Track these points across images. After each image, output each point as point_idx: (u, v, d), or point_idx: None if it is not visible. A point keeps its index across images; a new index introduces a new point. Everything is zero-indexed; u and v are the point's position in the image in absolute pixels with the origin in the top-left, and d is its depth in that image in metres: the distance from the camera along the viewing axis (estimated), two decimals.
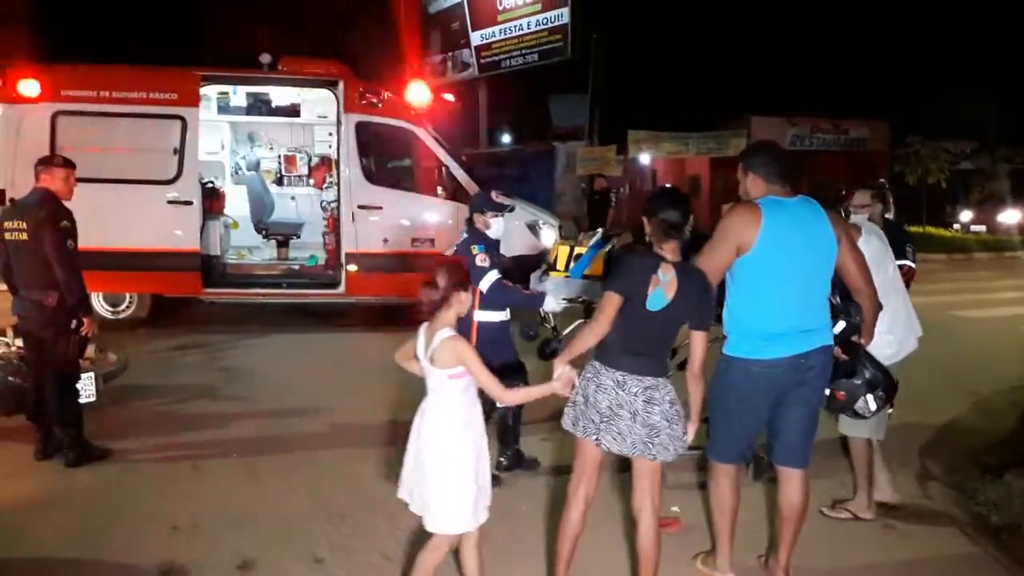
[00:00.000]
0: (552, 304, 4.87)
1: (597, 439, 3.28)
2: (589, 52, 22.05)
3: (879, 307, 3.63)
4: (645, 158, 25.46)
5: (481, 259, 4.55)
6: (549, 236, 9.76)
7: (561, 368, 3.14)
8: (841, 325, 3.55)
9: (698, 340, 3.26)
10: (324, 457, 5.28)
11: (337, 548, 4.01)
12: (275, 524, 4.26)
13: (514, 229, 9.35)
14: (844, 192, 4.80)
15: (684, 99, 25.92)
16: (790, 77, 26.55)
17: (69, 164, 5.14)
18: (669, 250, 3.25)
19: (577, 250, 5.82)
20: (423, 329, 3.15)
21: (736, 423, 3.54)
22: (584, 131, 24.97)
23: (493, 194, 4.96)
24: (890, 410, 4.04)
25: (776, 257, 3.32)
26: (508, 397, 3.23)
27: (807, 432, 3.54)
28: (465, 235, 4.77)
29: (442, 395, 3.10)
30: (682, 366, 3.49)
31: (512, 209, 5.29)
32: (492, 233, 4.74)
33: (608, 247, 5.77)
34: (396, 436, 5.51)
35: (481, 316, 4.62)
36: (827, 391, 3.61)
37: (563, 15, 20.45)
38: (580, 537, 3.43)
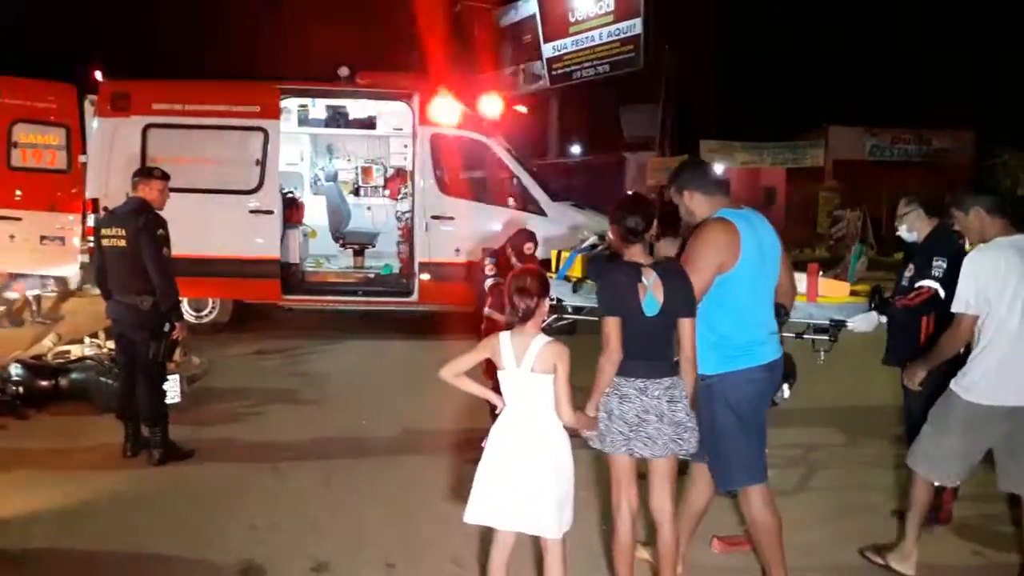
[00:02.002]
0: None
1: (628, 449, 3.31)
2: (661, 62, 21.92)
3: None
4: (718, 168, 25.13)
5: (489, 268, 5.65)
6: None
7: (589, 416, 3.25)
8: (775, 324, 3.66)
9: (688, 326, 3.30)
10: (397, 463, 5.37)
11: (409, 554, 4.07)
12: (349, 528, 4.36)
13: (585, 239, 9.38)
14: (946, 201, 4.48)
15: (759, 109, 25.43)
16: (870, 86, 25.77)
17: (165, 176, 5.38)
18: (636, 254, 3.34)
19: (564, 254, 6.15)
20: (505, 340, 3.15)
21: (750, 438, 3.46)
22: (655, 141, 24.80)
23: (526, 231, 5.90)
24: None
25: (751, 268, 3.41)
26: (569, 413, 3.16)
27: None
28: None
29: (540, 401, 3.12)
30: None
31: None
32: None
33: (587, 251, 6.07)
34: (468, 444, 5.60)
35: (491, 314, 5.42)
36: None
37: (635, 26, 20.37)
38: (634, 549, 3.46)
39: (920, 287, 4.25)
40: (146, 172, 5.47)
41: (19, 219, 9.41)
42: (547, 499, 3.09)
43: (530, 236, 5.85)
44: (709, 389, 3.43)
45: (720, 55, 26.27)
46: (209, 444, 5.62)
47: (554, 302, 5.16)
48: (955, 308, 3.66)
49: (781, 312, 3.68)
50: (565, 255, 6.04)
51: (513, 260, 5.58)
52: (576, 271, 5.67)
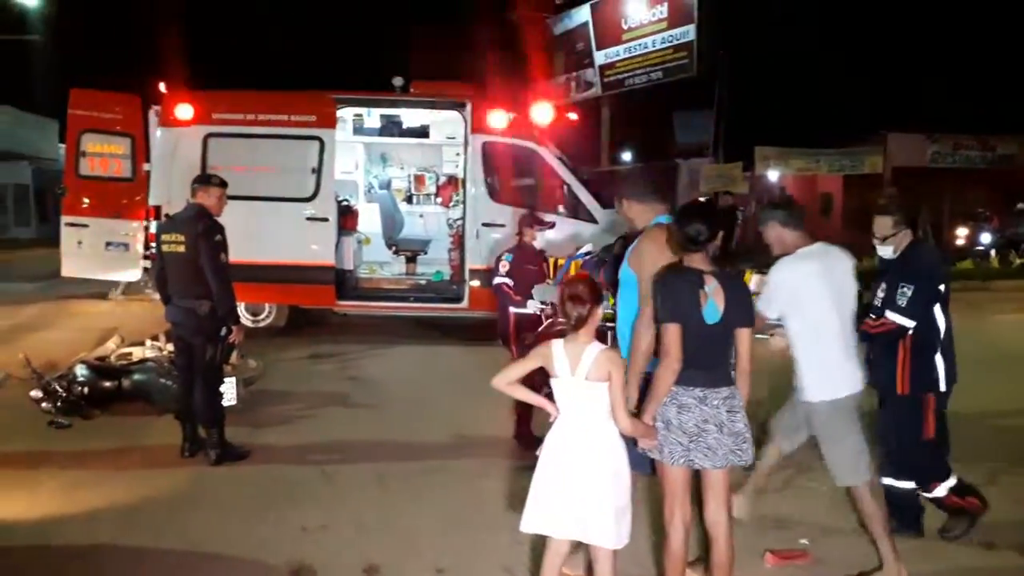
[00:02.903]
0: (533, 306, 5.62)
1: (688, 460, 3.28)
2: (714, 68, 21.69)
3: None
4: (773, 175, 24.74)
5: (503, 266, 5.89)
6: None
7: (646, 424, 3.24)
8: None
9: (745, 337, 3.32)
10: (448, 467, 5.40)
11: (459, 559, 4.09)
12: (399, 531, 4.40)
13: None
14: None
15: (815, 115, 24.98)
16: (931, 91, 25.11)
17: (223, 184, 5.51)
18: (697, 261, 3.32)
19: (559, 261, 6.39)
20: (558, 348, 3.14)
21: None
22: (708, 148, 24.53)
23: (537, 214, 6.29)
24: None
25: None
26: (625, 421, 3.16)
27: None
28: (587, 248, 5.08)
29: (596, 409, 3.11)
30: None
31: (553, 225, 6.42)
32: (537, 244, 6.02)
33: (582, 258, 6.22)
34: (517, 450, 5.61)
35: (517, 310, 5.73)
36: None
37: (689, 32, 20.22)
38: (686, 563, 3.42)
39: (884, 319, 4.08)
40: (204, 179, 5.61)
41: (86, 226, 9.74)
42: (605, 508, 3.06)
43: (533, 222, 6.07)
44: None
45: (775, 60, 25.90)
46: (264, 445, 5.74)
47: (549, 307, 5.39)
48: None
49: None
50: (561, 262, 6.28)
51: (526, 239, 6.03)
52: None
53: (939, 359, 4.11)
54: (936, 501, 4.27)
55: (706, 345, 3.26)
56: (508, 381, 3.23)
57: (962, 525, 4.25)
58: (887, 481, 4.23)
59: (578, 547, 3.37)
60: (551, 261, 6.44)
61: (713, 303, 3.24)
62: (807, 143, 23.16)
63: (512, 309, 5.81)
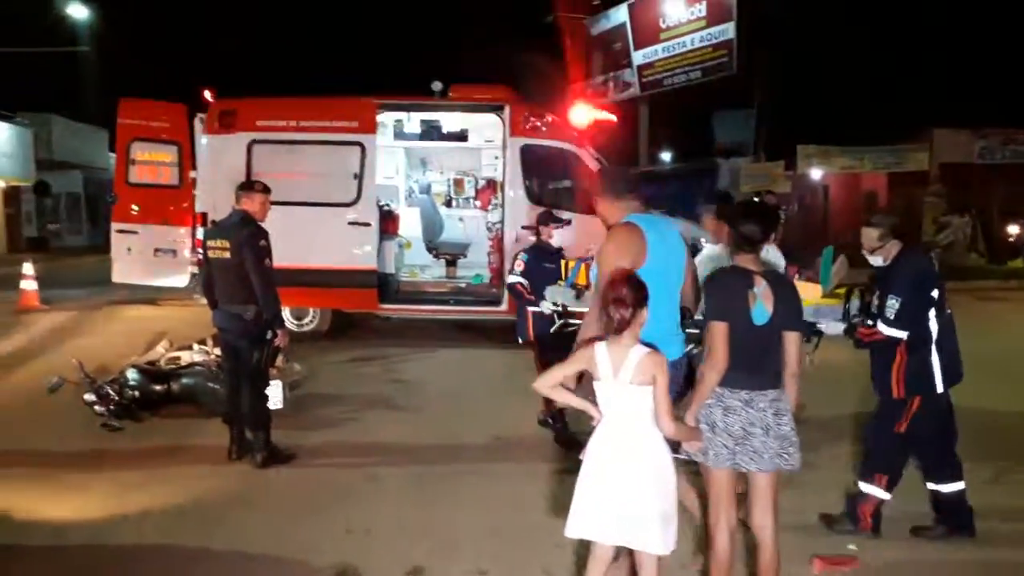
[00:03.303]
0: (546, 307, 5.55)
1: (734, 463, 3.25)
2: (754, 66, 21.46)
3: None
4: (816, 174, 24.39)
5: (518, 264, 6.04)
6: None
7: (691, 426, 3.23)
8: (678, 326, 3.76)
9: (794, 340, 3.29)
10: (490, 471, 5.42)
11: (501, 562, 4.10)
12: (442, 534, 4.43)
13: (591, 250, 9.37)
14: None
15: (858, 112, 24.57)
16: (979, 86, 24.53)
17: (267, 190, 5.61)
18: (749, 261, 3.29)
19: (570, 263, 6.31)
20: (601, 351, 3.12)
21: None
22: (749, 147, 24.28)
23: (553, 212, 6.45)
24: None
25: (659, 268, 3.49)
26: (669, 425, 3.12)
27: None
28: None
29: (640, 413, 3.08)
30: None
31: (569, 223, 6.53)
32: (555, 242, 6.16)
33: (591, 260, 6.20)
34: (559, 453, 5.62)
35: (534, 309, 5.77)
36: None
37: (728, 30, 20.03)
38: (732, 568, 3.40)
39: (875, 329, 4.15)
40: (248, 185, 5.70)
41: (136, 232, 9.96)
42: (651, 513, 3.04)
43: (549, 219, 6.14)
44: None
45: (816, 57, 25.52)
46: (308, 448, 5.82)
47: (559, 308, 5.36)
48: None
49: (687, 316, 3.82)
50: (571, 264, 6.27)
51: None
52: (582, 279, 5.81)
53: (935, 360, 4.12)
54: (857, 496, 4.31)
55: (753, 347, 3.23)
56: (550, 384, 3.22)
57: (848, 526, 4.32)
58: (932, 486, 4.27)
59: (620, 553, 3.36)
60: (563, 264, 6.41)
61: (762, 304, 3.22)
62: (850, 141, 22.79)
63: (529, 308, 5.87)
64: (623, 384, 3.06)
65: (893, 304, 4.03)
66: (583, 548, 3.36)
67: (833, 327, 4.59)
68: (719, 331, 3.19)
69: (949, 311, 4.19)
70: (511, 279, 6.04)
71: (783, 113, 23.52)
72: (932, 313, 4.11)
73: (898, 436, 4.21)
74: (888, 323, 4.05)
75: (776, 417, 3.24)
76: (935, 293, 4.12)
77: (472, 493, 5.04)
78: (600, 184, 3.90)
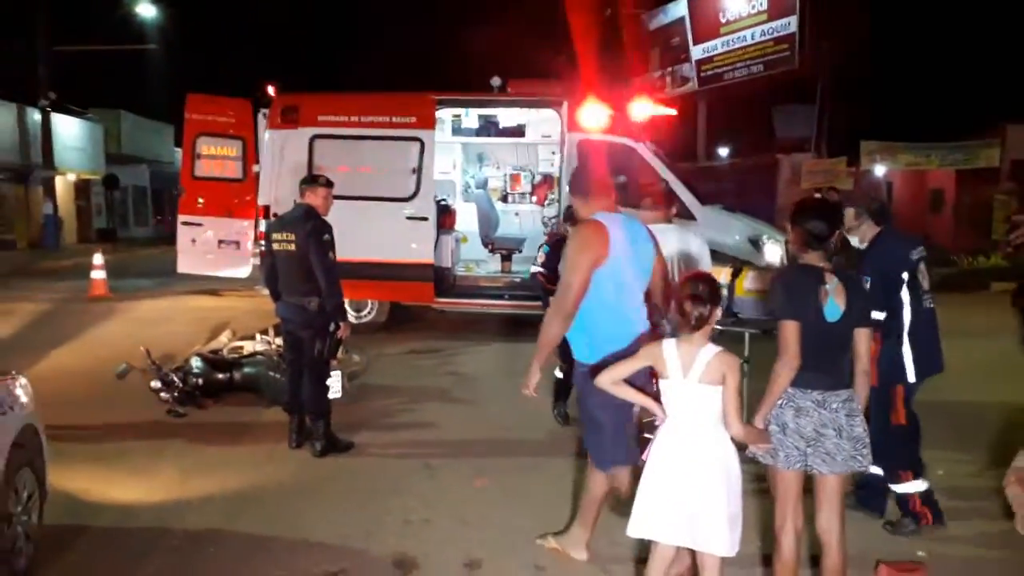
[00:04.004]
0: None
1: (806, 465, 3.18)
2: (817, 60, 20.97)
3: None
4: (879, 170, 23.74)
5: (540, 257, 6.37)
6: (774, 251, 9.43)
7: (760, 430, 3.17)
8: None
9: (864, 336, 3.23)
10: (545, 465, 5.42)
11: (557, 557, 4.07)
12: (498, 527, 4.43)
13: (734, 243, 9.24)
14: None
15: (925, 107, 23.80)
16: None
17: (329, 184, 5.67)
18: (815, 259, 3.23)
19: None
20: (670, 348, 3.08)
21: (622, 426, 3.69)
22: (811, 143, 23.75)
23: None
24: None
25: (620, 267, 3.60)
26: (738, 426, 3.08)
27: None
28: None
29: (707, 413, 3.04)
30: None
31: None
32: None
33: None
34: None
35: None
36: None
37: (791, 23, 19.66)
38: (798, 570, 3.34)
39: None
40: (311, 180, 5.77)
41: (200, 224, 10.22)
42: (719, 515, 3.00)
43: (571, 215, 6.06)
44: (585, 376, 3.64)
45: (882, 50, 24.80)
46: (367, 438, 5.89)
47: None
48: None
49: (657, 314, 3.91)
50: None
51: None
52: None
53: (906, 349, 4.17)
54: (900, 498, 4.26)
55: (825, 345, 3.16)
56: (613, 379, 3.20)
57: (911, 526, 4.25)
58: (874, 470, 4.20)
59: (679, 553, 3.31)
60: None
61: (834, 301, 3.14)
62: (916, 136, 22.13)
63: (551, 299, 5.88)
64: (692, 383, 3.02)
65: (865, 281, 4.03)
66: (639, 546, 3.33)
67: None
68: (791, 329, 3.11)
69: (931, 305, 4.25)
70: (533, 269, 6.27)
71: (846, 107, 22.92)
72: (907, 298, 4.17)
73: (900, 427, 4.19)
74: None
75: (849, 418, 3.17)
76: (905, 275, 4.18)
77: (528, 487, 5.03)
78: (573, 184, 4.04)
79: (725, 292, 5.70)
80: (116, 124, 30.34)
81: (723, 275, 6.18)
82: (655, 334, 3.73)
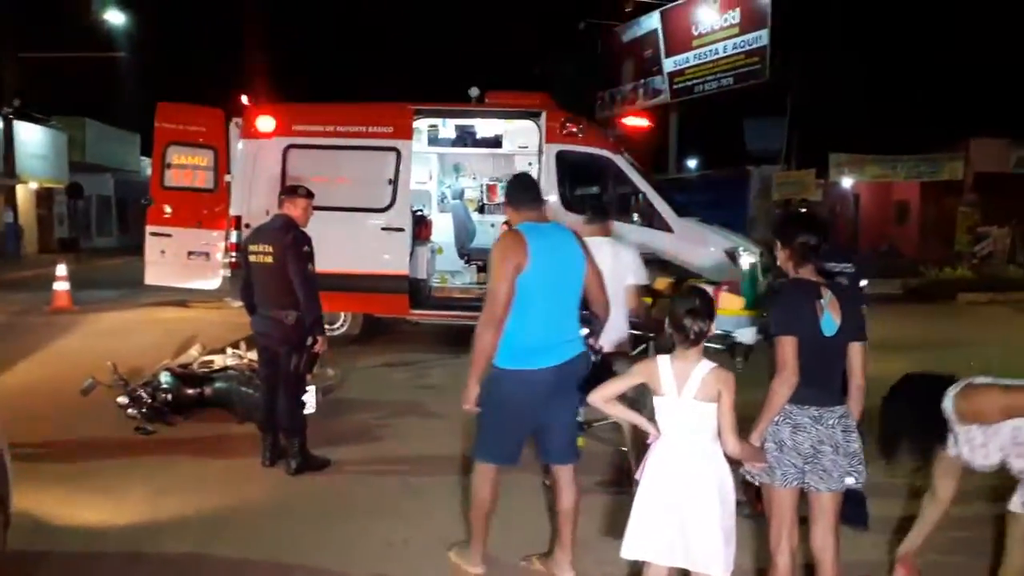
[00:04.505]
0: None
1: (802, 482, 3.13)
2: (787, 73, 21.26)
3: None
4: (847, 182, 24.10)
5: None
6: (750, 264, 9.44)
7: (756, 448, 3.11)
8: (585, 331, 3.97)
9: (859, 351, 3.18)
10: (526, 482, 5.28)
11: None
12: None
13: (710, 255, 9.22)
14: None
15: (892, 120, 24.21)
16: (1017, 95, 24.05)
17: (310, 195, 5.55)
18: (809, 273, 3.21)
19: None
20: (664, 365, 3.02)
21: (509, 429, 3.80)
22: (781, 155, 24.04)
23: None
24: None
25: (540, 276, 3.66)
26: (734, 443, 3.02)
27: (573, 431, 3.97)
28: None
29: (703, 430, 2.98)
30: None
31: None
32: None
33: None
34: (596, 465, 5.49)
35: None
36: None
37: (762, 37, 19.90)
38: None
39: None
40: (291, 190, 5.63)
41: (169, 235, 10.00)
42: (714, 535, 2.93)
43: None
44: (496, 377, 3.73)
45: (850, 65, 25.21)
46: (343, 455, 5.75)
47: None
48: None
49: (594, 321, 3.99)
50: None
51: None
52: None
53: None
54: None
55: (822, 360, 3.12)
56: (605, 398, 3.12)
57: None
58: None
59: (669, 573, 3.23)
60: None
61: (829, 315, 3.11)
62: (883, 149, 22.50)
63: None
64: (687, 400, 2.95)
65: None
66: (631, 567, 3.26)
67: (748, 335, 5.23)
68: (787, 345, 3.06)
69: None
70: None
71: (815, 120, 23.25)
72: None
73: None
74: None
75: (845, 434, 3.13)
76: None
77: (510, 505, 4.90)
78: (506, 195, 4.13)
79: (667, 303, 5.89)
80: (80, 132, 29.78)
81: (665, 286, 6.33)
82: (588, 344, 3.91)
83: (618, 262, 5.10)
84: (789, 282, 3.24)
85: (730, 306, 5.92)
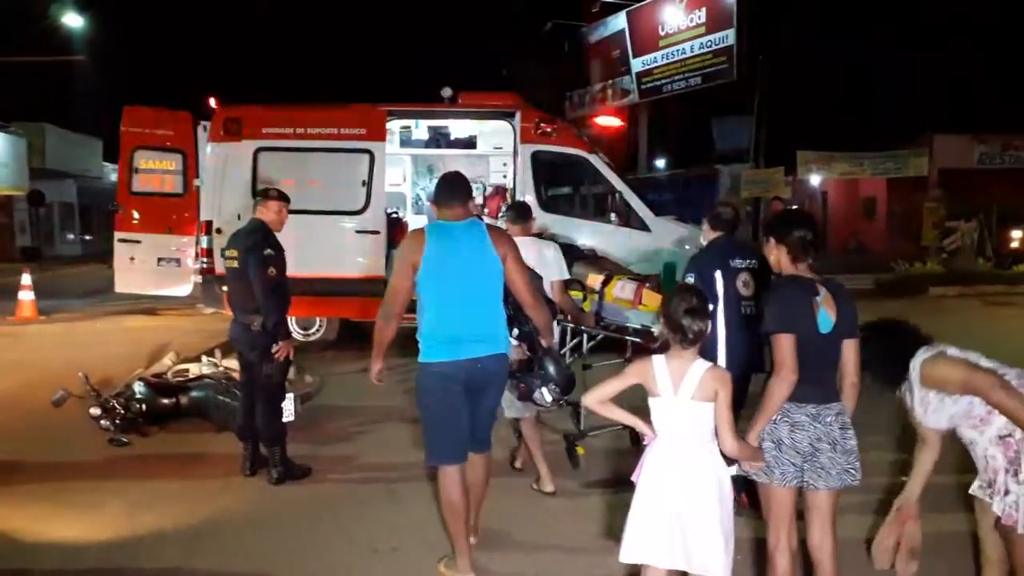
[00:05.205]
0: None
1: (801, 481, 3.10)
2: (754, 72, 21.45)
3: (550, 313, 4.34)
4: (815, 179, 24.37)
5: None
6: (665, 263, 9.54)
7: (754, 447, 3.09)
8: (515, 331, 4.20)
9: (853, 347, 3.18)
10: (511, 485, 5.24)
11: None
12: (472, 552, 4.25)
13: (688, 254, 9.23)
14: None
15: (858, 117, 24.59)
16: (979, 90, 24.54)
17: (283, 198, 5.43)
18: (805, 270, 3.21)
19: None
20: (659, 365, 2.98)
21: (444, 423, 3.93)
22: (749, 153, 24.24)
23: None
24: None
25: (439, 272, 3.83)
26: (732, 443, 2.98)
27: (490, 422, 4.12)
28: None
29: (699, 430, 2.95)
30: None
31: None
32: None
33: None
34: (585, 467, 5.45)
35: None
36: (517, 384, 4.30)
37: (728, 36, 20.03)
38: None
39: None
40: (263, 193, 5.54)
41: (139, 242, 9.81)
42: (714, 537, 2.90)
43: (497, 192, 6.16)
44: (418, 372, 3.95)
45: (816, 63, 25.54)
46: (324, 463, 5.65)
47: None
48: None
49: (522, 319, 4.19)
50: None
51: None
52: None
53: (720, 348, 4.53)
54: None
55: (818, 357, 3.10)
56: (600, 400, 3.07)
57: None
58: None
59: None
60: None
61: (825, 312, 3.08)
62: (850, 146, 22.79)
63: None
64: (683, 400, 2.91)
65: (688, 278, 4.70)
66: (629, 569, 3.22)
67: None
68: (785, 343, 3.03)
69: (748, 312, 4.56)
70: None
71: (782, 118, 23.50)
72: (721, 305, 4.56)
73: None
74: None
75: (842, 431, 3.11)
76: (717, 275, 4.61)
77: (496, 509, 4.84)
78: (434, 191, 4.25)
79: (596, 298, 6.41)
80: (40, 138, 29.10)
81: (597, 282, 6.42)
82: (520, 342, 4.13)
83: (542, 259, 5.27)
84: (785, 279, 3.21)
85: (651, 302, 6.18)
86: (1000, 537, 3.23)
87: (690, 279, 4.64)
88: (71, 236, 33.79)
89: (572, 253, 6.06)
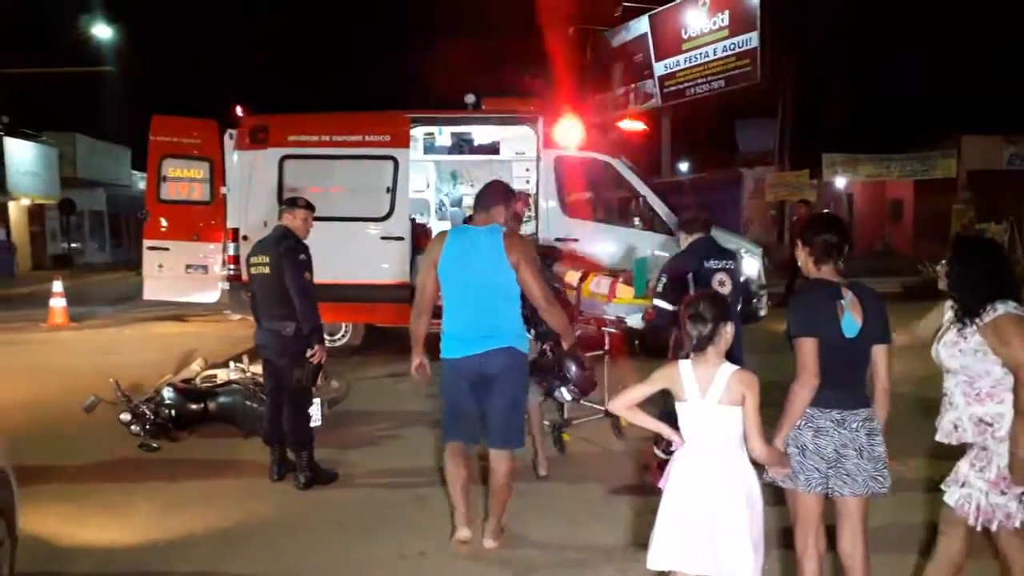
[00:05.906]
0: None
1: (827, 488, 3.07)
2: (778, 74, 21.29)
3: (566, 316, 4.55)
4: (840, 182, 24.15)
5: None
6: (752, 265, 9.45)
7: (780, 452, 3.06)
8: (532, 332, 4.50)
9: (884, 353, 3.13)
10: (539, 490, 5.25)
11: None
12: (497, 560, 4.26)
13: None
14: None
15: (884, 119, 24.32)
16: (1008, 91, 24.18)
17: (309, 206, 5.48)
18: (830, 273, 3.17)
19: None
20: (686, 369, 2.97)
21: (451, 408, 4.33)
22: (773, 156, 24.08)
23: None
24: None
25: (453, 272, 4.14)
26: (760, 447, 2.96)
27: (506, 417, 4.24)
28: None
29: (727, 435, 2.92)
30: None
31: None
32: None
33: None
34: (611, 471, 5.45)
35: None
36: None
37: (752, 39, 19.83)
38: None
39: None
40: (291, 202, 5.58)
41: (167, 249, 9.94)
42: (743, 541, 2.87)
43: (519, 197, 6.38)
44: (440, 367, 4.27)
45: (841, 64, 25.32)
46: (351, 468, 5.69)
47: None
48: None
49: (539, 320, 4.47)
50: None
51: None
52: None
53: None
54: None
55: (843, 362, 3.06)
56: (628, 404, 3.07)
57: None
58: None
59: None
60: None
61: (850, 316, 3.04)
62: (876, 148, 22.57)
63: None
64: (711, 404, 2.89)
65: (662, 280, 4.96)
66: (655, 575, 3.21)
67: (637, 320, 6.20)
68: (809, 347, 3.00)
69: None
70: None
71: (808, 121, 23.33)
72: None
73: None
74: (656, 295, 4.97)
75: (869, 437, 3.06)
76: (689, 276, 4.79)
77: (524, 516, 4.85)
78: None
79: (574, 294, 6.70)
80: (71, 147, 29.64)
81: (574, 279, 6.60)
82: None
83: None
84: (809, 282, 3.19)
85: (624, 296, 6.68)
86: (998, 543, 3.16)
87: (662, 281, 4.93)
88: (101, 244, 34.27)
89: (553, 255, 6.23)
